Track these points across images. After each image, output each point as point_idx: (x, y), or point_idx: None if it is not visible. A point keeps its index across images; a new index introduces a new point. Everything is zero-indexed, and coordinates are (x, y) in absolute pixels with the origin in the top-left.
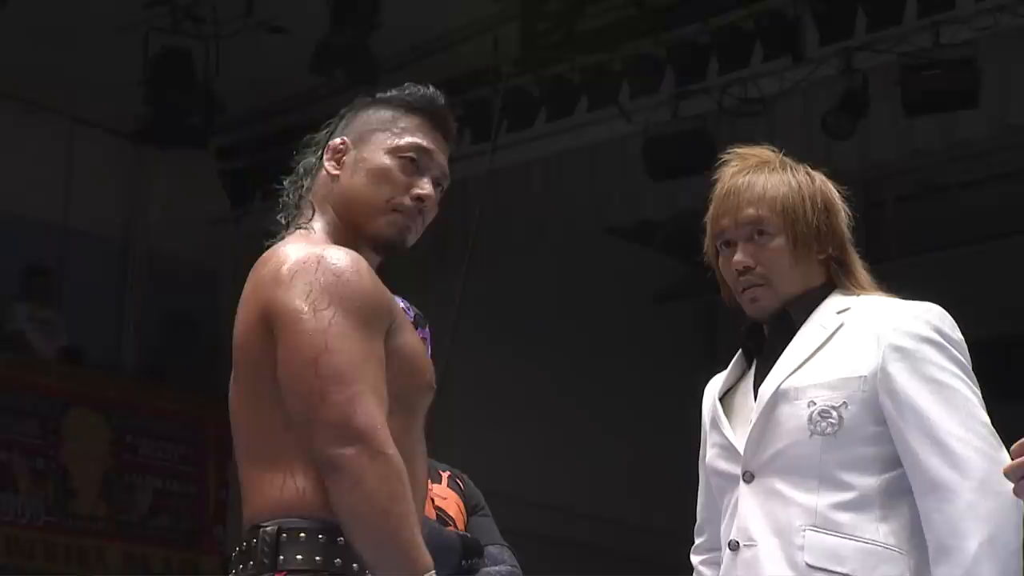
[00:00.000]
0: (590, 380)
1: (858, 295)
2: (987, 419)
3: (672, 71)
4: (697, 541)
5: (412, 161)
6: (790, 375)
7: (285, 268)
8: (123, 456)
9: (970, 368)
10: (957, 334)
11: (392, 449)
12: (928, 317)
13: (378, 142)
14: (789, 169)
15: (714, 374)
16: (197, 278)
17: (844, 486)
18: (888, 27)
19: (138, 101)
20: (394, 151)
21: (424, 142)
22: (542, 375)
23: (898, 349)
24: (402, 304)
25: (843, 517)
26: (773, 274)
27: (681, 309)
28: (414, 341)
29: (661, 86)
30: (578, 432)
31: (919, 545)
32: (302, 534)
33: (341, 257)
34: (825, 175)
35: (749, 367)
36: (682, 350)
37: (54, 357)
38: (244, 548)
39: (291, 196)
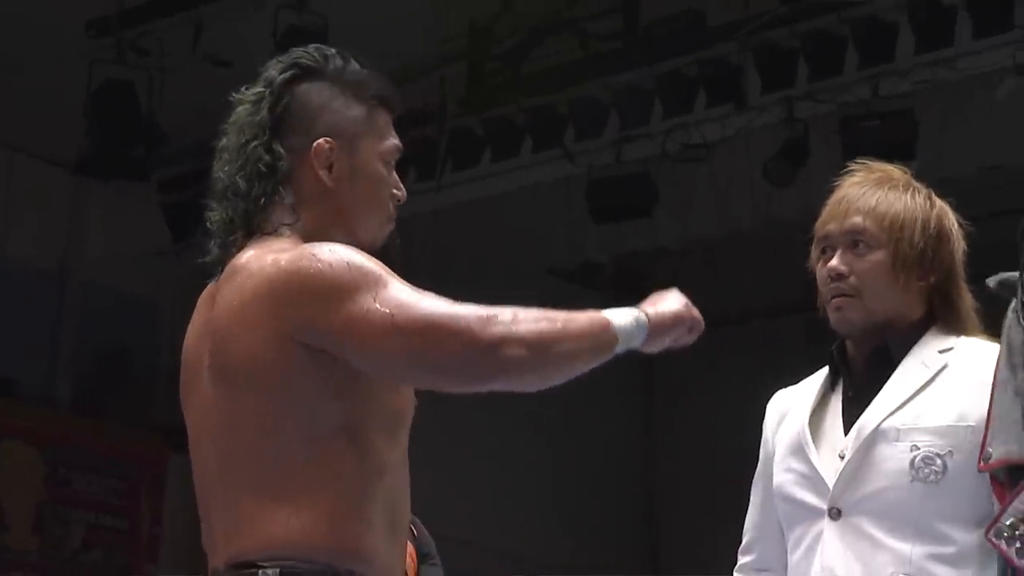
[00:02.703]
0: (533, 423)
1: (960, 335)
2: None
3: (616, 115)
4: (743, 560)
5: (391, 163)
6: (891, 414)
7: (305, 279)
8: (56, 490)
9: None
10: None
11: (502, 326)
12: None
13: (369, 148)
14: (911, 190)
15: (650, 409)
16: (135, 311)
17: (942, 538)
18: (829, 78)
19: (80, 132)
20: (383, 156)
21: (399, 142)
22: (485, 415)
23: None
24: None
25: (939, 570)
26: (865, 287)
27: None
28: None
29: (605, 130)
30: (522, 475)
31: None
32: None
33: (336, 249)
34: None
35: (832, 389)
36: (621, 387)
37: None
38: None
39: (237, 207)
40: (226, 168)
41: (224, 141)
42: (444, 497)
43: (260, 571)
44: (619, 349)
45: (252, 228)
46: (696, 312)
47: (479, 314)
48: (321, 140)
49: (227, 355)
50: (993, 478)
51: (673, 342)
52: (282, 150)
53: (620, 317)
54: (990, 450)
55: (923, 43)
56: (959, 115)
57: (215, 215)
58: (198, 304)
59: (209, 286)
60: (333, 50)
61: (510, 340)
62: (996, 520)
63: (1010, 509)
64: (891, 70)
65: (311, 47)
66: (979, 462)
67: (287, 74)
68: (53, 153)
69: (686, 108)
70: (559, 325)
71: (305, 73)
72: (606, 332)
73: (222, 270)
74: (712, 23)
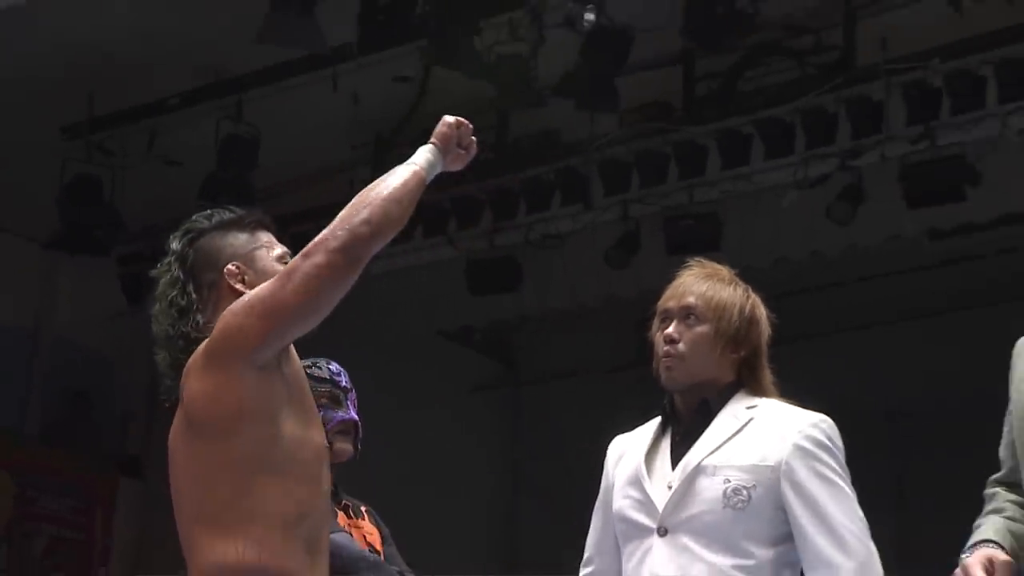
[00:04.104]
0: (419, 462)
1: (762, 397)
2: (863, 515)
3: (490, 210)
4: (584, 571)
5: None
6: (710, 454)
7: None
8: (24, 509)
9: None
10: (841, 443)
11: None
12: (824, 427)
13: (263, 256)
14: (733, 284)
15: (517, 449)
16: (95, 362)
17: (745, 553)
18: (655, 186)
19: (52, 215)
20: (278, 259)
21: (284, 247)
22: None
23: (800, 448)
24: (334, 368)
25: None
26: (691, 353)
27: (492, 397)
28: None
29: (480, 222)
30: (406, 505)
31: None
32: None
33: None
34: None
35: (663, 434)
36: (493, 429)
37: None
38: None
39: (179, 327)
40: (161, 320)
41: (157, 304)
42: None
43: None
44: (430, 177)
45: (190, 351)
46: (461, 119)
47: (321, 252)
48: (229, 265)
49: (189, 412)
50: None
51: (462, 153)
52: (194, 293)
53: (421, 157)
54: None
55: (727, 162)
56: (754, 218)
57: (161, 356)
58: (175, 414)
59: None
60: (212, 210)
61: (353, 235)
62: None
63: None
64: (703, 182)
65: (199, 214)
66: None
67: (186, 237)
68: (29, 232)
69: (545, 206)
70: (383, 196)
71: (198, 233)
72: (416, 176)
73: (178, 393)
74: (565, 140)
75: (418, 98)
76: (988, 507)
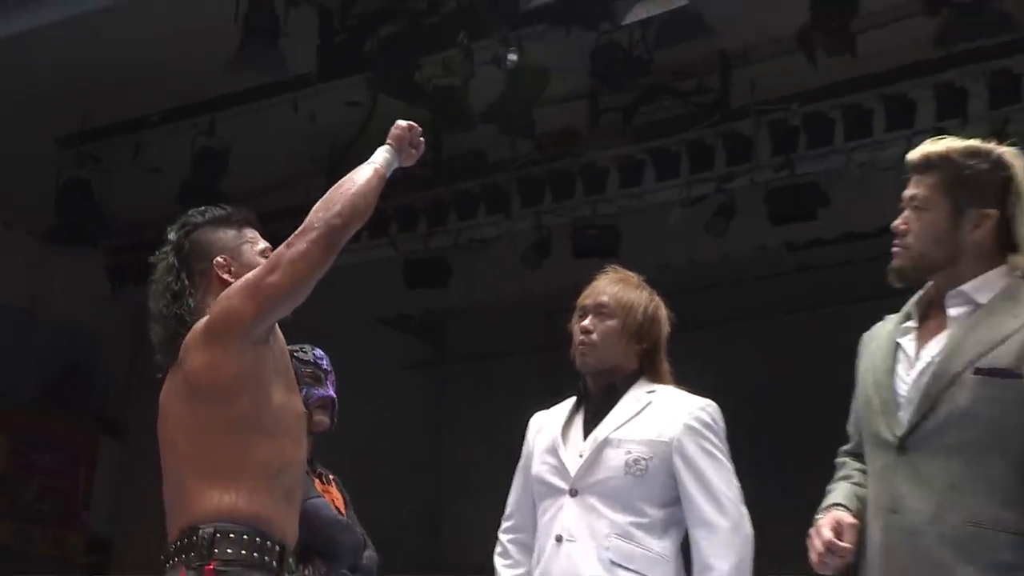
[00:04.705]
0: (357, 430)
1: (660, 384)
2: (738, 484)
3: (424, 218)
4: (505, 524)
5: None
6: (616, 429)
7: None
8: (18, 461)
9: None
10: (723, 423)
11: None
12: (710, 411)
13: (248, 251)
14: (640, 287)
15: (444, 426)
16: (83, 337)
17: (641, 512)
18: (565, 200)
19: (49, 213)
20: (260, 253)
21: (267, 243)
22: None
23: (690, 427)
24: (318, 353)
25: (637, 533)
26: (601, 343)
27: (423, 376)
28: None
29: (417, 227)
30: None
31: (679, 557)
32: (231, 535)
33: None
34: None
35: (577, 411)
36: (424, 401)
37: None
38: (184, 543)
39: (173, 308)
40: (158, 300)
41: (153, 285)
42: None
43: (201, 530)
44: (388, 173)
45: (182, 331)
46: (412, 124)
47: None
48: (219, 257)
49: (199, 379)
50: None
51: (413, 152)
52: (187, 279)
53: (379, 157)
54: None
55: (624, 182)
56: (645, 229)
57: (155, 332)
58: (165, 380)
59: (170, 370)
60: (205, 207)
61: (330, 227)
62: None
63: None
64: (603, 198)
65: (194, 210)
66: None
67: (182, 230)
68: (29, 227)
69: (472, 215)
70: (352, 192)
71: (193, 227)
72: (377, 174)
73: (170, 362)
74: (490, 160)
75: (366, 120)
76: (839, 474)
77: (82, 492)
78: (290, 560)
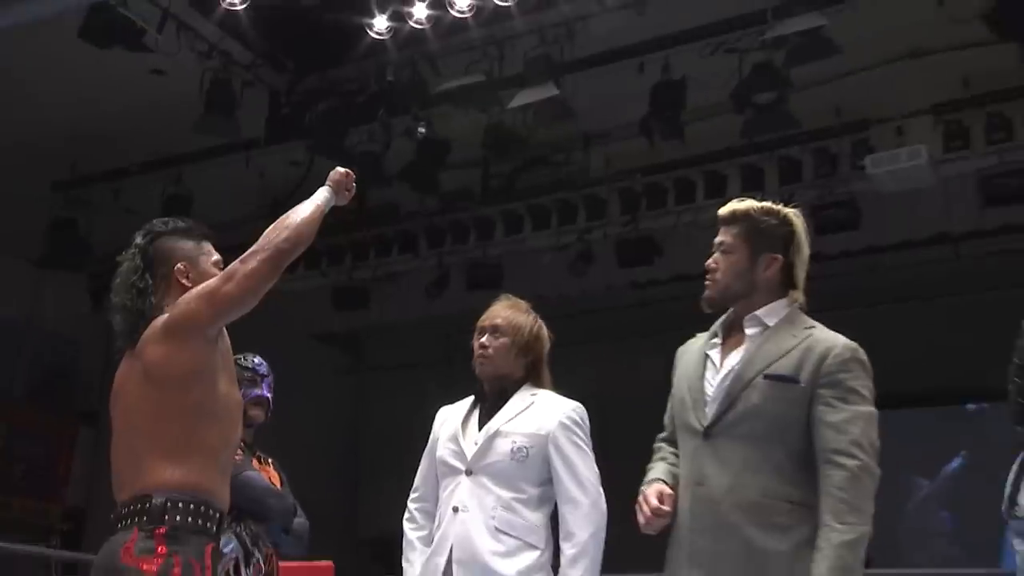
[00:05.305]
0: (286, 425)
1: (540, 389)
2: (597, 470)
3: (350, 254)
4: (413, 496)
5: (220, 266)
6: (505, 423)
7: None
8: (8, 446)
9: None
10: (588, 421)
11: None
12: (579, 411)
13: (205, 261)
14: (527, 312)
15: (361, 422)
16: (68, 346)
17: (521, 490)
18: (461, 244)
19: (42, 243)
20: (214, 264)
21: (219, 256)
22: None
23: (563, 424)
24: (257, 360)
25: (517, 506)
26: (496, 356)
27: (346, 382)
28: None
29: (344, 262)
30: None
31: (549, 526)
32: (180, 503)
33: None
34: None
35: (475, 408)
36: (346, 403)
37: None
38: (137, 507)
39: (136, 302)
40: (122, 294)
41: (117, 280)
42: None
43: (155, 498)
44: (327, 209)
45: (141, 322)
46: (347, 172)
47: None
48: (179, 264)
49: (149, 370)
50: None
51: (347, 192)
52: (150, 279)
53: (321, 196)
54: None
55: (508, 231)
56: (524, 269)
57: (116, 321)
58: (121, 363)
59: (126, 354)
60: (170, 218)
61: (276, 254)
62: None
63: None
64: (492, 244)
65: (159, 220)
66: None
67: (148, 236)
68: (26, 255)
69: (388, 254)
70: (297, 222)
71: (158, 235)
72: (318, 209)
73: (128, 347)
74: (403, 211)
75: (304, 176)
76: (657, 456)
77: (61, 471)
78: (223, 524)
